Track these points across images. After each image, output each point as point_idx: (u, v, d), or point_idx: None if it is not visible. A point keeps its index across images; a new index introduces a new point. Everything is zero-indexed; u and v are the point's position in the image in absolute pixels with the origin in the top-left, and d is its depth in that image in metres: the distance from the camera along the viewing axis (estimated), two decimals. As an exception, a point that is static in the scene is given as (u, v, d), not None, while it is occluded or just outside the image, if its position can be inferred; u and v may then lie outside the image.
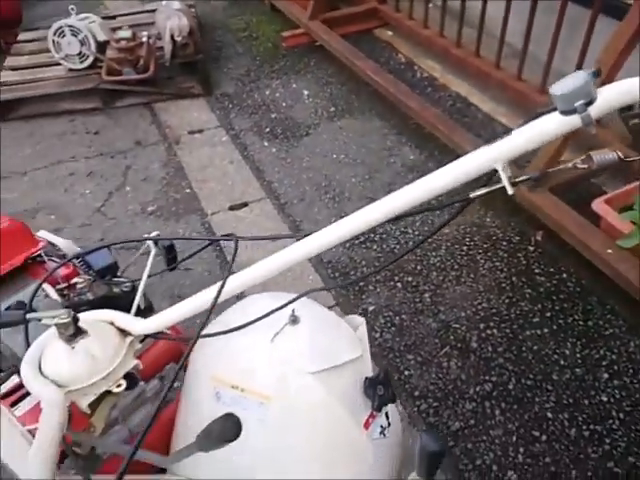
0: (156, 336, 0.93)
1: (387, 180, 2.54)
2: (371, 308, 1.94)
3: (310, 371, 0.73)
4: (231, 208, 2.44)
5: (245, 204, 2.46)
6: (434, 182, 0.54)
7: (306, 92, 3.22)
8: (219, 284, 0.67)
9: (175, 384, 1.04)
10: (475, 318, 1.89)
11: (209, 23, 3.99)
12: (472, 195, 0.56)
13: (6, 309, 0.94)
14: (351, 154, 2.72)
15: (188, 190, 2.58)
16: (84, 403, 0.75)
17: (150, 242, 0.88)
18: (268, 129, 2.97)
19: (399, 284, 2.04)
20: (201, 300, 0.73)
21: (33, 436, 0.82)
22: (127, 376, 0.79)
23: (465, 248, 2.16)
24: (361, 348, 0.79)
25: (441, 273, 2.07)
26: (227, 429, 0.47)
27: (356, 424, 0.73)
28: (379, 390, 0.75)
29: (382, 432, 0.76)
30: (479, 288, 1.99)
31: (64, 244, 1.12)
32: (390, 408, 0.79)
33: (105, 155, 2.84)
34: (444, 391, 1.69)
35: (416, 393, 1.68)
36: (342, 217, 0.59)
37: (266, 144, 2.86)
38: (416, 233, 2.24)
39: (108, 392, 0.79)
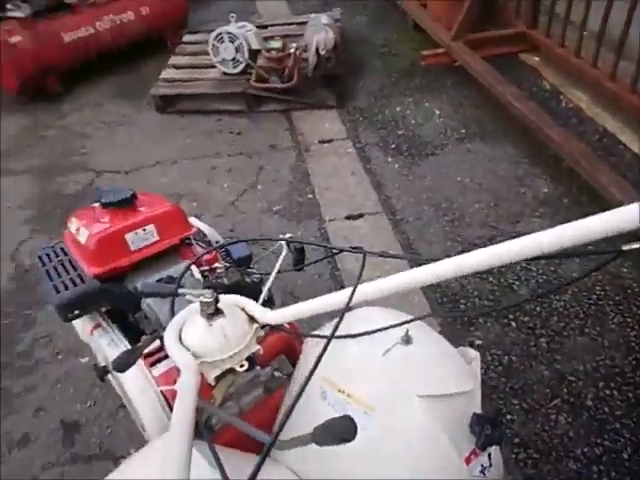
0: (278, 327, 1.02)
1: (514, 210, 2.43)
2: (478, 342, 1.87)
3: (418, 394, 0.73)
4: (347, 217, 2.51)
5: (361, 215, 2.51)
6: (589, 226, 0.46)
7: (438, 112, 3.20)
8: (348, 291, 0.71)
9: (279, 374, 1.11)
10: (595, 374, 1.74)
11: (352, 38, 4.14)
12: (625, 247, 0.49)
13: (157, 281, 1.08)
14: (477, 179, 2.65)
15: (310, 195, 2.71)
16: (211, 375, 0.84)
17: (283, 242, 0.96)
18: (394, 145, 3.00)
19: (513, 323, 1.94)
20: (323, 303, 0.77)
21: (164, 397, 0.94)
22: (248, 359, 0.87)
23: (594, 297, 1.99)
24: (473, 382, 0.79)
25: (563, 319, 1.93)
26: (346, 429, 0.51)
27: (457, 457, 0.72)
28: (486, 429, 0.73)
29: (482, 471, 0.75)
30: (604, 343, 1.83)
31: (209, 232, 1.25)
32: (494, 450, 0.77)
33: (244, 154, 3.08)
34: (548, 445, 1.58)
35: (516, 440, 1.59)
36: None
37: (389, 159, 2.90)
38: (540, 272, 2.10)
39: (231, 370, 0.88)
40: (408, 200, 2.58)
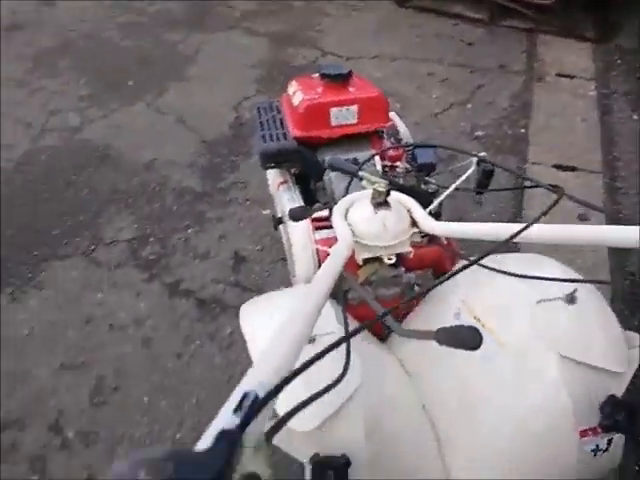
0: (436, 241, 1.02)
1: None
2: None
3: (559, 352, 0.71)
4: (556, 166, 2.26)
5: (573, 169, 2.24)
6: None
7: None
8: (521, 225, 0.67)
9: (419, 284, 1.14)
10: None
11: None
12: None
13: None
14: None
15: (523, 130, 2.47)
16: (361, 256, 0.90)
17: (474, 160, 0.93)
18: (649, 101, 2.52)
19: None
20: (488, 230, 0.75)
21: (318, 256, 1.04)
22: (397, 256, 0.91)
23: None
24: (625, 367, 0.72)
25: None
26: (471, 337, 0.51)
27: (573, 426, 0.69)
28: (618, 414, 0.68)
29: (595, 451, 0.70)
30: None
31: (404, 131, 1.26)
32: (618, 437, 0.72)
33: (466, 67, 2.89)
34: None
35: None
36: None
37: (635, 117, 2.45)
38: None
39: (379, 259, 0.93)
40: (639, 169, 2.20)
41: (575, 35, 2.95)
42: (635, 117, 2.45)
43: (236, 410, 0.29)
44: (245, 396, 0.30)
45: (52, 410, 1.57)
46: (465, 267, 0.75)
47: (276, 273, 1.93)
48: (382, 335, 0.95)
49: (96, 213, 2.20)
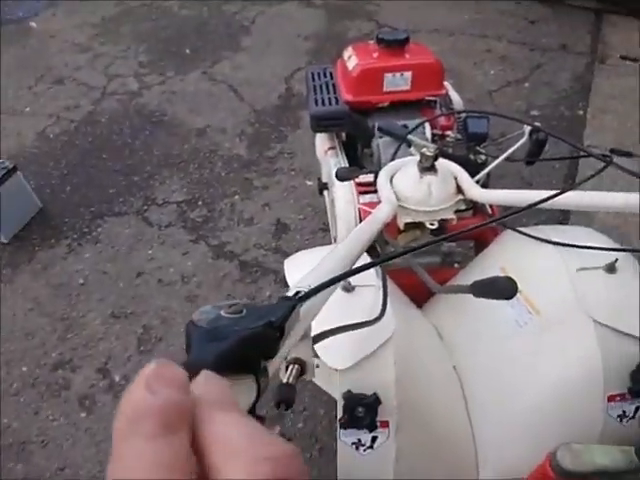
0: (482, 211, 1.02)
1: None
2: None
3: (597, 319, 0.71)
4: (612, 150, 2.17)
5: (629, 154, 2.14)
6: None
7: None
8: (554, 192, 0.67)
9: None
10: None
11: None
12: None
13: (393, 126, 1.16)
14: None
15: (581, 112, 2.38)
16: (403, 220, 0.92)
17: (527, 128, 0.92)
18: None
19: None
20: (531, 196, 0.75)
21: (361, 216, 1.07)
22: (440, 223, 0.92)
23: None
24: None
25: None
26: (506, 287, 0.53)
27: (602, 389, 0.70)
28: (649, 384, 0.68)
29: (621, 417, 0.71)
30: None
31: (457, 101, 1.25)
32: (647, 408, 0.72)
33: (527, 46, 2.79)
34: None
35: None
36: None
37: None
38: None
39: (421, 225, 0.94)
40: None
41: (646, 16, 2.79)
42: None
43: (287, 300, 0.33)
44: (297, 292, 0.34)
45: (101, 354, 1.68)
46: (481, 226, 0.75)
47: (316, 242, 1.96)
48: (419, 303, 0.97)
49: (150, 175, 2.30)
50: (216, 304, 0.29)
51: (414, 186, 0.89)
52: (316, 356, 0.66)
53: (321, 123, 1.17)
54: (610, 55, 2.65)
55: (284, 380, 0.46)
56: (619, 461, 0.54)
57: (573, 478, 0.55)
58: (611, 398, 0.69)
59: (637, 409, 0.69)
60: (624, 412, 0.69)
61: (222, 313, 0.28)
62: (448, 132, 1.14)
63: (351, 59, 1.18)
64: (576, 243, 0.81)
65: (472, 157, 1.10)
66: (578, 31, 2.84)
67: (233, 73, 2.85)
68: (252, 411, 0.29)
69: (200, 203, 2.17)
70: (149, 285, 1.87)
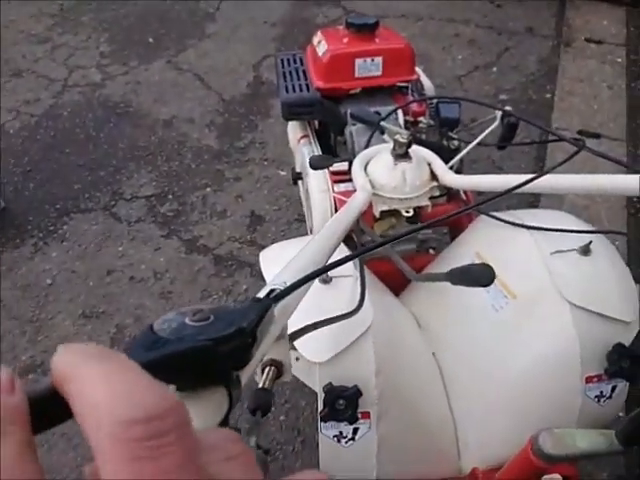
0: (456, 197, 1.02)
1: None
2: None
3: (572, 301, 0.71)
4: (580, 132, 2.21)
5: (597, 135, 2.19)
6: None
7: None
8: (529, 176, 0.67)
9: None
10: None
11: None
12: None
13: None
14: None
15: (548, 95, 2.41)
16: (379, 208, 0.91)
17: (498, 113, 0.92)
18: (682, 70, 2.43)
19: None
20: (505, 181, 0.75)
21: (336, 205, 1.05)
22: (415, 211, 0.91)
23: None
24: (635, 317, 0.73)
25: None
26: (483, 275, 0.53)
27: (579, 371, 0.71)
28: (624, 362, 0.69)
29: (598, 398, 0.72)
30: None
31: (428, 86, 1.24)
32: (621, 387, 0.74)
33: (494, 30, 2.80)
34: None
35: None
36: None
37: (666, 85, 2.38)
38: None
39: (396, 213, 0.94)
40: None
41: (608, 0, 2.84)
42: (666, 85, 2.37)
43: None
44: (271, 290, 0.32)
45: (74, 355, 1.63)
46: (460, 212, 0.75)
47: (292, 233, 1.94)
48: (396, 291, 0.97)
49: (116, 169, 2.23)
50: (180, 310, 0.26)
51: (388, 173, 0.88)
52: (294, 349, 0.65)
53: (292, 110, 1.15)
54: (575, 38, 2.69)
55: (260, 384, 0.44)
56: (600, 444, 0.54)
57: (555, 462, 0.55)
58: (589, 379, 0.70)
59: (614, 389, 0.70)
60: (601, 392, 0.70)
61: (187, 321, 0.25)
62: (420, 118, 1.14)
63: (321, 45, 1.16)
64: (550, 226, 0.82)
65: (445, 143, 1.09)
66: (543, 14, 2.87)
67: (199, 61, 2.78)
68: (225, 423, 0.27)
69: (170, 197, 2.11)
70: (120, 283, 1.82)
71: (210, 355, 0.24)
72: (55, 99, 2.58)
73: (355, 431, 0.68)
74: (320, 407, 0.66)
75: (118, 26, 3.07)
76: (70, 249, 1.94)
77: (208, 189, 2.13)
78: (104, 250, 1.93)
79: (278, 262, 0.85)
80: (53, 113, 2.50)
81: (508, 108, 0.90)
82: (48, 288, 1.82)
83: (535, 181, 0.61)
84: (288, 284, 0.33)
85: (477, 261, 0.87)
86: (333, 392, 0.62)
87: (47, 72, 2.74)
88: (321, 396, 0.64)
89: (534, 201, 1.86)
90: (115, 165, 2.25)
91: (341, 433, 0.68)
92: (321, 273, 0.40)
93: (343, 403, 0.62)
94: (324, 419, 0.66)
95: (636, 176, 0.58)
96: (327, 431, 0.68)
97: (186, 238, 1.96)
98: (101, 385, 0.16)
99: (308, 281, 0.35)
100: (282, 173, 2.16)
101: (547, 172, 0.64)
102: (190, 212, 2.05)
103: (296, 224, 1.96)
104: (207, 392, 0.25)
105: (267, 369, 0.44)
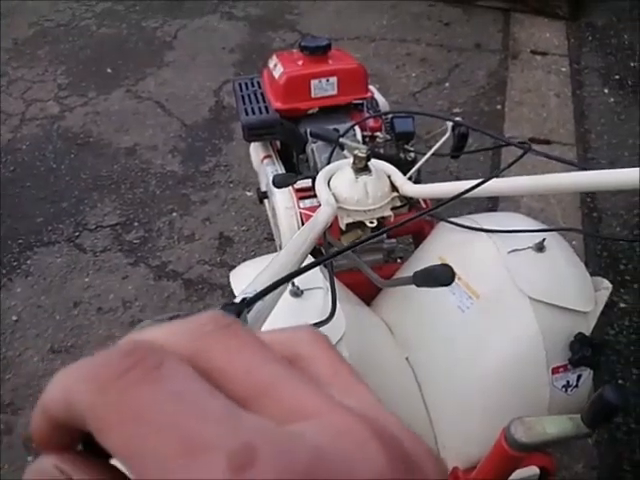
0: (415, 206, 1.06)
1: None
2: (622, 305, 1.72)
3: (532, 296, 0.75)
4: (531, 139, 2.32)
5: (548, 142, 2.30)
6: None
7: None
8: (479, 181, 0.71)
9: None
10: None
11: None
12: None
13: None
14: None
15: (499, 107, 2.53)
16: (344, 221, 0.94)
17: (449, 124, 0.97)
18: (618, 76, 2.58)
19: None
20: (460, 187, 0.79)
21: (302, 220, 1.07)
22: (379, 221, 0.95)
23: None
24: (592, 306, 0.77)
25: None
26: (443, 275, 0.56)
27: (545, 363, 0.74)
28: (586, 350, 0.73)
29: (565, 388, 0.76)
30: None
31: (383, 103, 1.29)
32: (586, 374, 0.77)
33: (444, 47, 2.93)
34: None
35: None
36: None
37: (606, 91, 2.52)
38: None
39: (361, 224, 0.97)
40: (610, 141, 2.28)
41: (549, 13, 3.00)
42: (606, 91, 2.52)
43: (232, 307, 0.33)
44: (243, 300, 0.34)
45: (44, 393, 1.58)
46: (416, 217, 0.78)
47: (262, 252, 1.95)
48: (367, 300, 0.99)
49: (79, 200, 2.20)
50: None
51: (351, 187, 0.91)
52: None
53: (253, 132, 1.17)
54: (521, 51, 2.83)
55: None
56: (568, 429, 0.57)
57: (528, 450, 0.58)
58: (555, 370, 0.73)
59: (579, 378, 0.74)
60: (568, 382, 0.74)
61: None
62: (377, 133, 1.18)
63: (277, 67, 1.19)
64: (506, 228, 0.86)
65: (402, 155, 1.14)
66: (489, 30, 3.01)
67: (159, 89, 2.79)
68: None
69: (136, 224, 2.10)
70: (88, 314, 1.79)
71: None
72: (13, 133, 2.54)
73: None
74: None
75: (75, 58, 3.06)
76: (35, 283, 1.89)
77: (174, 214, 2.13)
78: (70, 282, 1.89)
79: (248, 279, 0.87)
80: (12, 147, 2.46)
81: (458, 119, 0.95)
82: (14, 325, 1.77)
83: (484, 184, 0.65)
84: (258, 291, 0.34)
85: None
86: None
87: (4, 107, 2.70)
88: None
89: (492, 206, 1.93)
90: (77, 196, 2.22)
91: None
92: (292, 278, 0.42)
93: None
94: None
95: (578, 173, 0.62)
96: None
97: (154, 264, 1.94)
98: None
99: (278, 286, 0.37)
100: (248, 194, 2.17)
101: (495, 175, 0.68)
102: (157, 238, 2.04)
103: (266, 243, 1.97)
104: None
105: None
